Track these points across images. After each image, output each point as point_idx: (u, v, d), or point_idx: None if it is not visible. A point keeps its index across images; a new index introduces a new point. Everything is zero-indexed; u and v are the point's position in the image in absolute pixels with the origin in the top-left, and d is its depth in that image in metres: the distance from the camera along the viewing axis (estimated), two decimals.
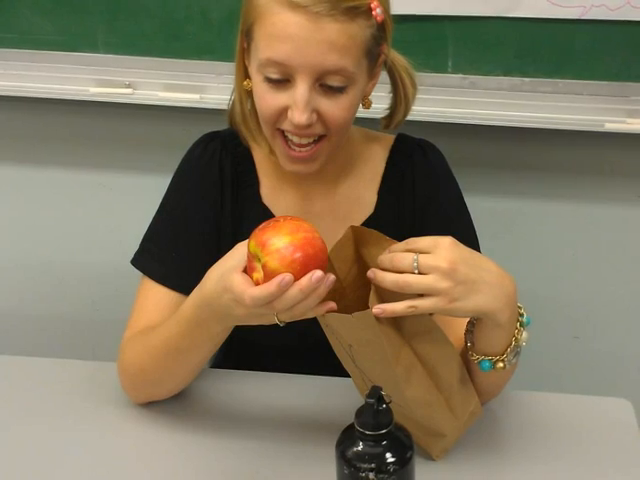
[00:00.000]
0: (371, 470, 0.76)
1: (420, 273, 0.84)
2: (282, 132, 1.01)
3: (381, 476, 0.76)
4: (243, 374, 1.14)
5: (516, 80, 1.46)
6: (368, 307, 0.84)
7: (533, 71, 1.46)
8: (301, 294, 0.81)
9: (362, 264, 0.94)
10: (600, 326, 1.77)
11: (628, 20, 1.38)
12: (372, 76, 1.03)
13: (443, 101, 1.49)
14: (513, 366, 0.95)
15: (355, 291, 0.94)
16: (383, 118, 1.13)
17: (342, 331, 0.90)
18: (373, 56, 0.99)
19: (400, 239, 0.89)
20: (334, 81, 0.95)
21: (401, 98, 1.09)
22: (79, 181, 1.75)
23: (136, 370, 1.04)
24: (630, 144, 1.54)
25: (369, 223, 1.11)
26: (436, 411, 0.94)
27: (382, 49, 1.01)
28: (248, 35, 0.99)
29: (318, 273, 0.81)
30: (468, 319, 0.94)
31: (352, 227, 0.93)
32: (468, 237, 1.09)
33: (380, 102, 1.09)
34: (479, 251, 1.05)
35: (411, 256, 0.85)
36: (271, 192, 1.14)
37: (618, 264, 1.70)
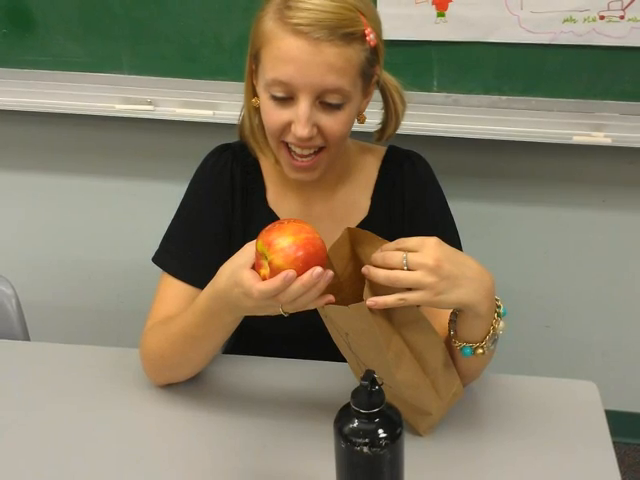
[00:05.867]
0: (365, 444, 0.76)
1: (409, 269, 0.84)
2: (286, 144, 1.01)
3: (374, 450, 0.76)
4: (252, 359, 1.14)
5: (494, 98, 1.46)
6: (363, 300, 0.84)
7: (509, 90, 1.46)
8: (303, 288, 0.81)
9: (357, 261, 0.93)
10: (569, 316, 1.77)
11: (593, 45, 1.39)
12: (366, 94, 1.03)
13: (429, 117, 1.49)
14: (491, 352, 0.95)
15: (351, 285, 0.94)
16: (376, 132, 1.12)
17: (339, 321, 0.90)
18: (367, 76, 0.99)
19: (391, 239, 0.89)
20: (332, 99, 0.95)
21: (392, 114, 1.09)
22: (106, 188, 1.75)
23: (156, 356, 1.04)
24: (595, 154, 1.55)
25: (363, 225, 1.11)
26: (423, 392, 0.94)
27: (375, 70, 1.01)
28: (256, 58, 0.99)
29: (318, 269, 0.81)
30: (451, 310, 0.94)
31: (348, 228, 0.93)
32: (451, 237, 1.09)
33: (373, 117, 1.09)
34: (461, 250, 1.05)
35: (401, 254, 0.85)
36: (276, 197, 1.13)
37: (585, 262, 1.70)
